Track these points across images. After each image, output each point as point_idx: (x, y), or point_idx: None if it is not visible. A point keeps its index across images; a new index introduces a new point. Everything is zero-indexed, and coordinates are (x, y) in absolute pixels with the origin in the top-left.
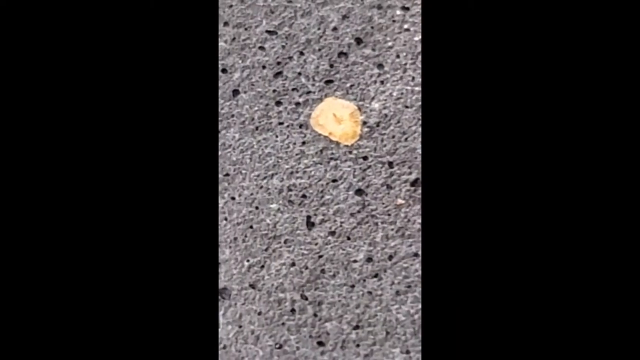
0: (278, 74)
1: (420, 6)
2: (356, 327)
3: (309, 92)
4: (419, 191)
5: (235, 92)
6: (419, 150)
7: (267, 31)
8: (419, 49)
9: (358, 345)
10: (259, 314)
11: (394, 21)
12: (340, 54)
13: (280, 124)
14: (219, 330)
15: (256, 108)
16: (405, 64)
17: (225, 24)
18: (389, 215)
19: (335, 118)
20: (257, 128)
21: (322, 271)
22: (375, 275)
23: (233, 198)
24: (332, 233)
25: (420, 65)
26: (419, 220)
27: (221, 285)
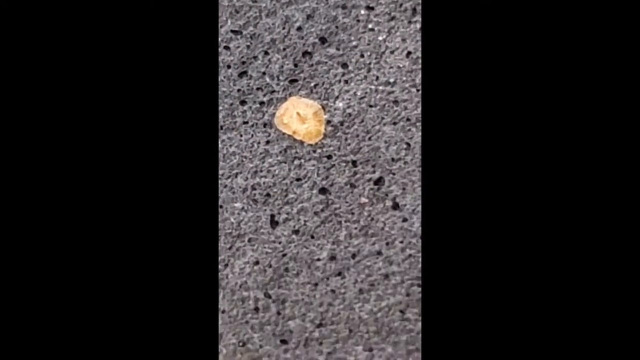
0: (243, 74)
1: (384, 6)
2: (319, 325)
3: (273, 92)
4: (382, 190)
5: None
6: (383, 149)
7: (232, 31)
8: (383, 48)
9: (321, 343)
10: (223, 312)
11: (358, 21)
12: (305, 53)
13: (245, 123)
14: None
15: (221, 107)
16: (370, 63)
17: None
18: (353, 214)
19: (299, 117)
20: (221, 127)
21: (286, 270)
22: (339, 274)
23: None
24: (296, 232)
25: (384, 65)
26: (382, 219)
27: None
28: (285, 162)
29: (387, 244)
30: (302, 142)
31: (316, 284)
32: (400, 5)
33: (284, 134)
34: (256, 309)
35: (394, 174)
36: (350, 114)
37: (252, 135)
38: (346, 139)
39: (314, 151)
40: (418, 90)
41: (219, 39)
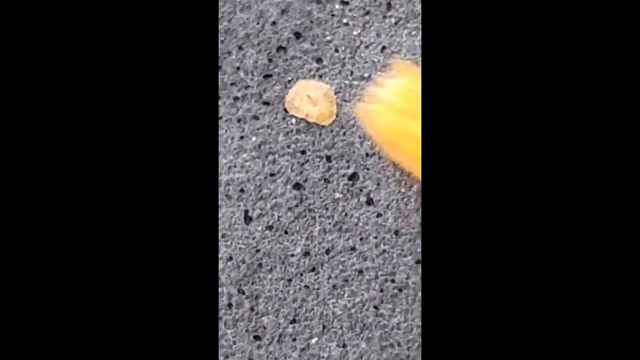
0: (218, 68)
1: (359, 1)
2: (293, 321)
3: (247, 87)
4: (357, 185)
5: None
6: (357, 145)
7: None
8: (357, 43)
9: (295, 340)
10: None
11: (333, 15)
12: (279, 48)
13: (219, 118)
14: None
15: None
16: (344, 58)
17: None
18: (327, 209)
19: (310, 99)
20: None
21: (260, 265)
22: (313, 269)
23: None
24: (270, 227)
25: (359, 60)
26: (357, 214)
27: None
28: (259, 158)
29: (361, 239)
30: (276, 137)
31: (290, 280)
32: (375, 0)
33: (257, 129)
34: (229, 305)
35: (368, 169)
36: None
37: (226, 131)
38: (320, 134)
39: (288, 146)
40: None
41: None
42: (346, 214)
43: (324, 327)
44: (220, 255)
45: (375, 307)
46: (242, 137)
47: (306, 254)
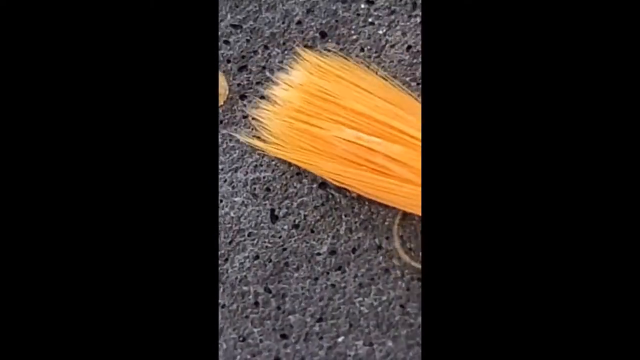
0: (242, 68)
1: (384, 0)
2: (319, 320)
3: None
4: None
5: None
6: None
7: (232, 25)
8: (383, 42)
9: (321, 338)
10: (223, 307)
11: (358, 15)
12: (305, 47)
13: (245, 117)
14: None
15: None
16: (370, 57)
17: None
18: (353, 208)
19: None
20: (221, 122)
21: (286, 264)
22: (339, 268)
23: None
24: (296, 226)
25: (384, 59)
26: (382, 213)
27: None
28: None
29: (387, 238)
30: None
31: (316, 279)
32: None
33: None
34: (256, 304)
35: None
36: None
37: (253, 130)
38: None
39: None
40: (418, 84)
41: (219, 33)
42: (372, 213)
43: (350, 325)
44: (246, 254)
45: (401, 306)
46: None
47: (332, 252)
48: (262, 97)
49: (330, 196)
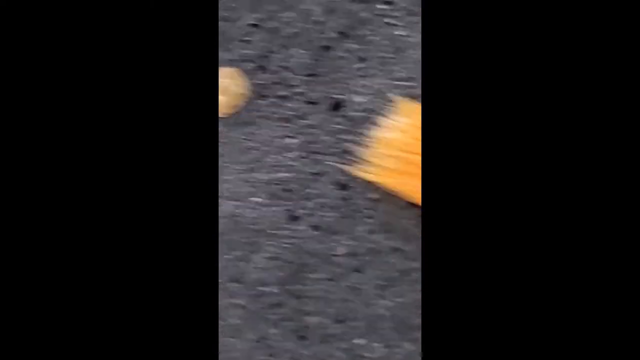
0: (262, 67)
1: (403, 1)
2: (338, 322)
3: (292, 86)
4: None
5: None
6: None
7: (251, 24)
8: (401, 42)
9: (340, 340)
10: (242, 307)
11: (377, 15)
12: (324, 47)
13: (264, 117)
14: None
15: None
16: (389, 57)
17: None
18: (372, 210)
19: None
20: (235, 122)
21: (305, 265)
22: (358, 270)
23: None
24: (315, 227)
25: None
26: (401, 215)
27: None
28: (304, 157)
29: (406, 240)
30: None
31: (335, 280)
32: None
33: (302, 128)
34: (275, 305)
35: None
36: (368, 109)
37: (271, 130)
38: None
39: (333, 146)
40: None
41: (240, 33)
42: (391, 215)
43: (368, 327)
44: (266, 255)
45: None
46: (287, 137)
47: (351, 254)
48: (281, 97)
49: (349, 198)
